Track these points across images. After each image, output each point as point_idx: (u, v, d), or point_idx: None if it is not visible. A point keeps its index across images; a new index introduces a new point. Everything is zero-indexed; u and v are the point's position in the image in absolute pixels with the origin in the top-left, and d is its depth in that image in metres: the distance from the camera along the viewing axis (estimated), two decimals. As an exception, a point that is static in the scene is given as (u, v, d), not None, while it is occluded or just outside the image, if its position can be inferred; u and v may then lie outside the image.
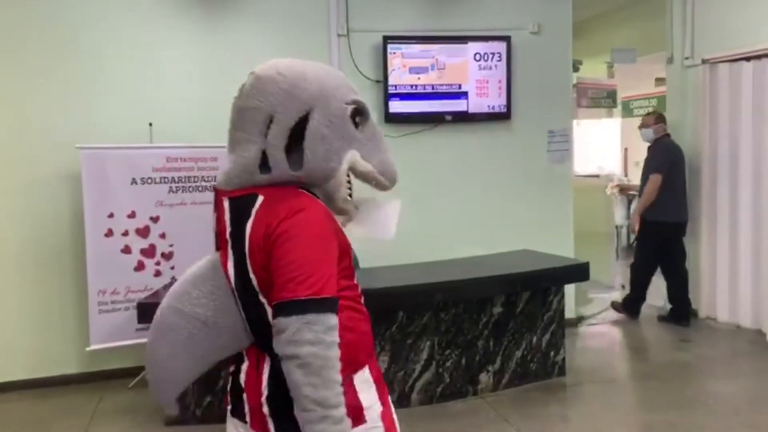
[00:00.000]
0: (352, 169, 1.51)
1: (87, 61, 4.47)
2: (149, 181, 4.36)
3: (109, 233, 4.26)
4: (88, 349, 4.29)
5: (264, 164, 1.44)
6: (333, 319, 1.36)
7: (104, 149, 4.28)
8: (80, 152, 4.20)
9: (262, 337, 1.49)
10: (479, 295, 4.05)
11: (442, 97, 5.09)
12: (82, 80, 4.47)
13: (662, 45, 5.86)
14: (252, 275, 1.46)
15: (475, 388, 4.12)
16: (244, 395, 1.53)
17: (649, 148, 5.62)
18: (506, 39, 5.17)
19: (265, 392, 1.49)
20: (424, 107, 5.06)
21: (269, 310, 1.43)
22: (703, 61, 5.43)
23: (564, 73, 5.46)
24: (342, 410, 1.34)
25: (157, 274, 4.39)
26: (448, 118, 5.13)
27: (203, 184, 4.48)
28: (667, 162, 5.38)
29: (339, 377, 1.35)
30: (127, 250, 4.30)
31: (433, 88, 5.07)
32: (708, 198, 5.52)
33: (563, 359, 4.42)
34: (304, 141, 1.43)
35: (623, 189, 6.45)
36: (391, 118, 5.01)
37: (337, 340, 1.36)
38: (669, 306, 5.66)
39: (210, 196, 4.54)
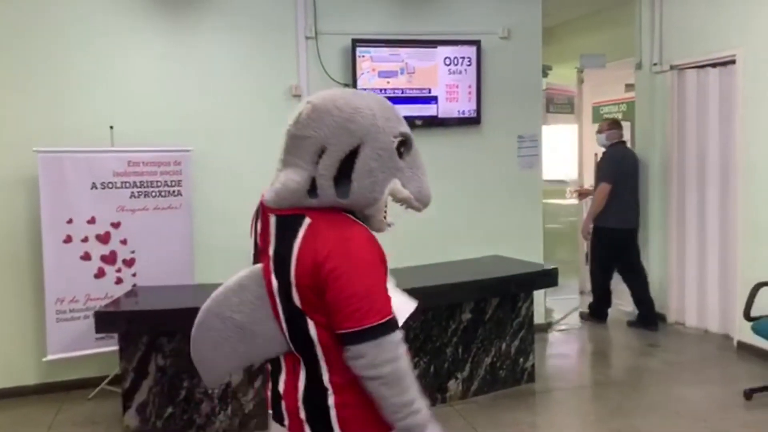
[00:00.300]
0: (392, 195, 1.59)
1: (45, 62, 4.34)
2: (110, 185, 4.24)
3: (68, 239, 4.13)
4: (45, 359, 4.15)
5: (312, 189, 1.52)
6: (399, 335, 1.50)
7: (63, 153, 4.14)
8: (37, 156, 4.06)
9: (301, 346, 1.58)
10: (448, 302, 4.00)
11: (411, 102, 5.05)
12: (40, 82, 4.33)
13: (631, 51, 5.89)
14: (295, 292, 1.53)
15: (443, 396, 4.07)
16: (282, 400, 1.62)
17: (602, 154, 5.71)
18: (476, 43, 5.14)
19: (300, 398, 1.58)
20: (393, 111, 5.01)
21: (311, 324, 1.53)
22: (671, 67, 5.47)
23: (534, 78, 5.45)
24: (421, 401, 1.51)
25: (118, 281, 4.27)
26: (418, 122, 5.07)
27: (166, 189, 4.37)
28: (615, 170, 5.49)
29: (413, 376, 1.51)
30: (86, 256, 4.18)
31: (402, 93, 5.03)
32: (677, 204, 5.55)
33: (532, 366, 4.39)
34: (352, 173, 1.51)
35: (582, 194, 6.51)
36: (360, 123, 4.94)
37: (405, 347, 1.51)
38: (637, 311, 5.69)
39: (173, 200, 4.44)
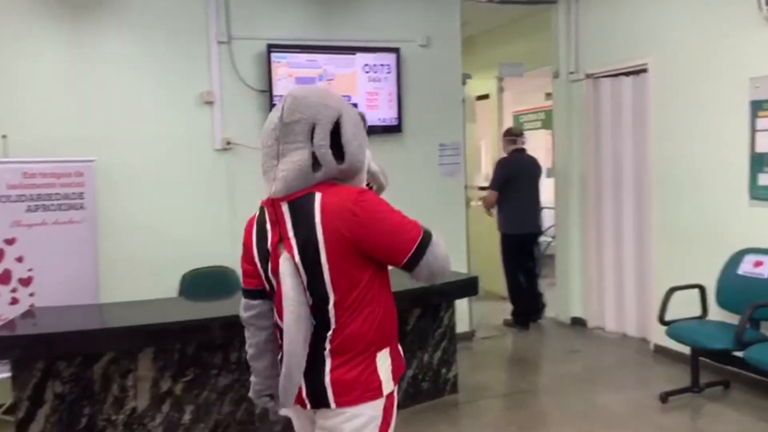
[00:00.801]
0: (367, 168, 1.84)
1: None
2: (3, 199, 3.92)
3: (-44, 258, 3.79)
4: (-71, 389, 3.79)
5: (315, 163, 1.73)
6: (436, 236, 1.78)
7: (-52, 164, 3.81)
8: None
9: (320, 320, 1.76)
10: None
11: (330, 109, 4.92)
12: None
13: (549, 60, 5.97)
14: (324, 261, 1.72)
15: (365, 412, 3.94)
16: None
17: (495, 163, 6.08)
18: (395, 51, 5.08)
19: (306, 369, 1.76)
20: (312, 119, 4.87)
21: (332, 295, 1.73)
22: (587, 76, 5.57)
23: (454, 86, 5.43)
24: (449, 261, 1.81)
25: (14, 302, 3.95)
26: (338, 130, 4.96)
27: (67, 201, 4.09)
28: (501, 179, 5.76)
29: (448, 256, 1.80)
30: (-24, 276, 3.85)
31: (321, 100, 4.89)
32: (594, 210, 5.64)
33: (455, 376, 4.33)
34: (342, 139, 1.75)
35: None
36: (277, 131, 4.78)
37: (444, 245, 1.79)
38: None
39: (75, 214, 4.15)
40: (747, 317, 3.62)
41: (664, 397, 4.04)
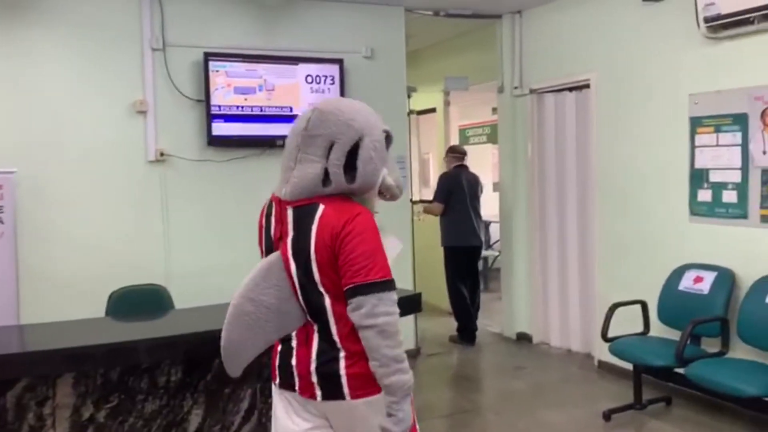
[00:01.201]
0: (381, 183, 1.89)
1: None
2: None
3: None
4: None
5: (326, 179, 1.81)
6: (395, 295, 1.81)
7: None
8: None
9: (316, 317, 1.87)
10: (305, 335, 3.72)
11: (271, 120, 4.77)
12: None
13: (495, 74, 5.95)
14: (315, 270, 1.82)
15: (303, 436, 3.77)
16: (294, 363, 1.90)
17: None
18: (339, 62, 4.97)
19: (313, 363, 1.86)
20: (252, 130, 4.71)
21: (327, 298, 1.83)
22: (531, 91, 5.56)
23: (399, 99, 5.35)
24: (407, 363, 1.80)
25: None
26: (279, 142, 4.80)
27: (-17, 215, 3.82)
28: (445, 191, 5.83)
29: (401, 339, 1.81)
30: None
31: (261, 110, 4.74)
32: (539, 224, 5.62)
33: (398, 397, 4.19)
34: (357, 161, 1.81)
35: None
36: (215, 141, 4.61)
37: (398, 311, 1.82)
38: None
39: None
40: (687, 334, 3.61)
41: (608, 415, 4.00)
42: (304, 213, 1.84)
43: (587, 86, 5.05)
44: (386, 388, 1.79)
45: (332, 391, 1.85)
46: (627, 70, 4.67)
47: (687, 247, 4.24)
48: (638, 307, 4.28)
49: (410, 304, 4.23)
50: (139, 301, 4.06)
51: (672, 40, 4.28)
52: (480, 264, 6.47)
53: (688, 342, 3.73)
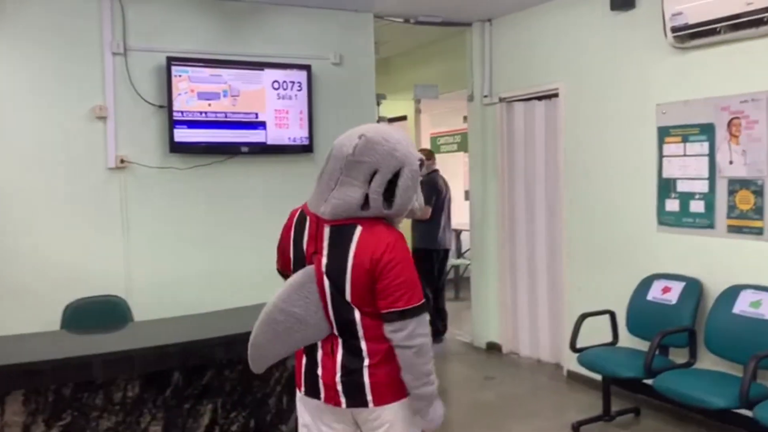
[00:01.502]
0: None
1: None
2: None
3: None
4: None
5: (365, 204, 1.94)
6: (428, 316, 1.99)
7: None
8: None
9: (344, 329, 2.01)
10: (269, 348, 3.61)
11: (237, 127, 4.67)
12: None
13: (466, 83, 5.92)
14: (348, 287, 1.96)
15: (266, 452, 3.67)
16: (320, 373, 2.03)
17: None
18: (306, 68, 4.88)
19: (339, 373, 2.00)
20: (216, 137, 4.60)
21: (356, 312, 1.97)
22: (500, 100, 5.54)
23: (368, 106, 5.27)
24: (434, 374, 2.02)
25: None
26: (245, 149, 4.71)
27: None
28: (429, 195, 5.69)
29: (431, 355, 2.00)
30: None
31: (226, 117, 4.63)
32: (509, 233, 5.58)
33: (365, 410, 4.10)
34: (396, 189, 1.95)
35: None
36: (178, 148, 4.49)
37: (429, 330, 2.00)
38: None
39: None
40: (656, 345, 3.58)
41: (576, 427, 3.96)
42: (341, 232, 1.97)
43: (556, 95, 5.04)
44: (417, 396, 2.02)
45: (356, 399, 2.02)
46: (595, 79, 4.66)
47: (655, 257, 4.23)
48: (607, 317, 4.26)
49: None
50: (96, 313, 3.92)
51: (640, 50, 4.28)
52: (451, 272, 6.43)
53: (657, 353, 3.72)
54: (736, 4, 3.45)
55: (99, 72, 4.31)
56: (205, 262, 4.65)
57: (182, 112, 4.47)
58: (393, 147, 1.96)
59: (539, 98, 5.28)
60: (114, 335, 3.57)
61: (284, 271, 2.23)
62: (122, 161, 4.37)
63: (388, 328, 1.94)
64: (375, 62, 5.24)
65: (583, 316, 4.15)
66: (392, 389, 2.01)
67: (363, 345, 1.99)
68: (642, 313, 4.11)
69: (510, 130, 5.54)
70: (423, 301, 1.97)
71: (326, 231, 1.99)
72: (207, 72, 4.55)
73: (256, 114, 4.72)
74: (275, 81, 4.77)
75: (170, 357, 3.30)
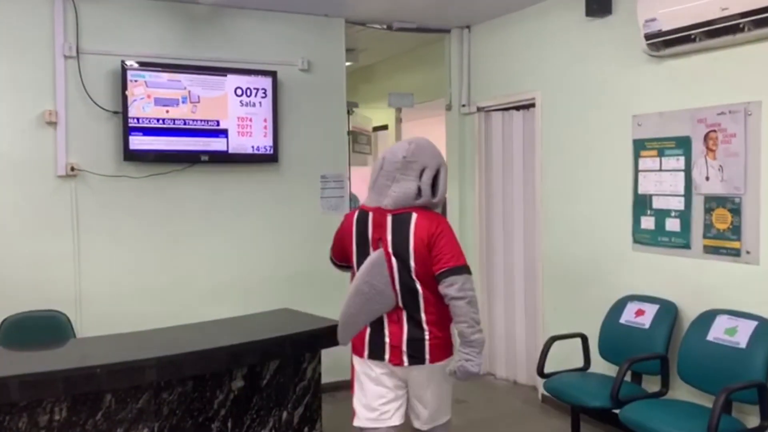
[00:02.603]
0: None
1: None
2: None
3: None
4: None
5: (418, 194, 2.62)
6: (472, 277, 2.61)
7: None
8: None
9: (408, 301, 2.63)
10: (208, 370, 3.40)
11: (196, 134, 4.48)
12: None
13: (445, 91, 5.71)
14: (412, 260, 2.58)
15: (207, 481, 3.44)
16: (387, 339, 2.65)
17: None
18: (272, 74, 4.69)
19: (405, 337, 2.61)
20: (174, 145, 4.41)
21: (418, 284, 2.60)
22: (479, 109, 5.32)
23: (338, 114, 5.07)
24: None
25: None
26: (204, 158, 4.51)
27: None
28: None
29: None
30: None
31: (185, 123, 4.44)
32: (486, 250, 5.34)
33: (320, 435, 3.89)
34: (438, 182, 2.66)
35: None
36: (132, 156, 4.30)
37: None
38: None
39: None
40: (623, 373, 3.34)
41: (542, 458, 3.71)
42: (401, 219, 2.63)
43: (533, 105, 4.81)
44: (470, 343, 2.53)
45: (417, 358, 2.62)
46: (571, 88, 4.44)
47: (630, 277, 3.99)
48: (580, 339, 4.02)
49: (333, 336, 3.92)
50: (35, 329, 3.71)
51: (616, 58, 4.06)
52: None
53: (629, 380, 3.47)
54: (711, 9, 3.22)
55: (50, 76, 4.13)
56: (162, 276, 4.45)
57: (138, 119, 4.28)
58: (435, 152, 2.72)
59: (517, 108, 5.06)
60: (44, 353, 3.36)
61: (338, 261, 2.98)
62: (73, 169, 4.18)
63: (443, 285, 2.54)
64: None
65: (552, 339, 3.91)
66: (443, 350, 2.66)
67: (423, 316, 2.62)
68: (614, 337, 3.87)
69: (488, 139, 5.32)
70: (466, 264, 2.59)
71: (389, 219, 2.64)
72: (165, 77, 4.36)
73: (218, 121, 4.53)
74: (238, 87, 4.58)
75: (99, 378, 3.09)
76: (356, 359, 2.77)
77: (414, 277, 2.57)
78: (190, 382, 3.38)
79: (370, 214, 2.67)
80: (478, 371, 2.53)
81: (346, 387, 5.02)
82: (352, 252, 2.73)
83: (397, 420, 2.75)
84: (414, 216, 2.59)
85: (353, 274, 2.76)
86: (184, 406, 3.39)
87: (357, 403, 2.83)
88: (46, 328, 3.78)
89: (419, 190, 2.60)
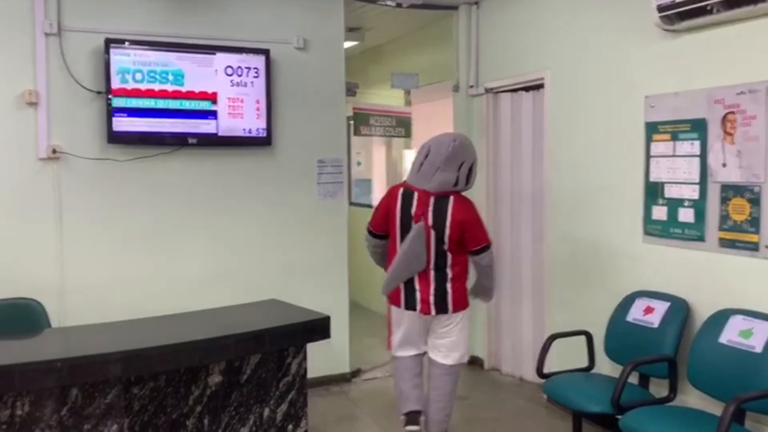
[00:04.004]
0: None
1: None
2: None
3: None
4: None
5: (456, 183, 3.40)
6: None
7: None
8: None
9: (437, 264, 3.41)
10: (179, 366, 3.21)
11: (184, 116, 4.28)
12: None
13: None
14: (447, 235, 3.35)
15: (182, 481, 3.27)
16: (417, 294, 3.43)
17: None
18: (265, 52, 4.46)
19: (432, 292, 3.41)
20: (160, 126, 4.22)
21: (448, 251, 3.39)
22: (486, 91, 5.03)
23: (336, 95, 4.83)
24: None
25: None
26: (192, 140, 4.32)
27: None
28: None
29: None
30: None
31: (172, 105, 4.24)
32: (493, 237, 5.03)
33: (305, 433, 3.69)
34: (471, 173, 3.45)
35: None
36: (117, 138, 4.12)
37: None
38: None
39: None
40: (625, 377, 3.06)
41: (540, 464, 3.46)
42: (441, 201, 3.37)
43: (542, 86, 4.51)
44: (487, 289, 3.65)
45: (442, 308, 3.42)
46: (581, 67, 4.13)
47: (640, 271, 3.70)
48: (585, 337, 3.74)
49: (318, 330, 3.71)
50: (6, 318, 3.57)
51: (628, 34, 3.73)
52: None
53: (636, 383, 3.20)
54: (730, -24, 2.89)
55: (30, 54, 3.96)
56: (148, 263, 4.29)
57: (122, 99, 4.08)
58: (472, 149, 3.47)
59: (526, 89, 4.76)
60: (10, 344, 3.21)
61: (376, 231, 3.61)
62: (54, 151, 4.02)
63: (476, 258, 3.44)
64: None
65: (553, 337, 3.65)
66: (462, 302, 3.47)
67: (450, 273, 3.40)
68: (621, 336, 3.59)
69: (497, 121, 5.04)
70: (490, 241, 3.46)
71: (432, 200, 3.37)
72: (151, 55, 4.16)
73: (207, 102, 4.32)
74: (228, 66, 4.37)
75: (63, 372, 2.92)
76: (394, 308, 3.56)
77: (446, 243, 3.35)
78: (162, 377, 3.20)
79: (415, 194, 3.41)
80: (492, 291, 3.66)
81: (341, 380, 4.88)
82: (395, 222, 3.45)
83: (419, 350, 3.59)
84: (452, 199, 3.36)
85: (393, 242, 3.49)
86: (157, 402, 3.21)
87: (394, 338, 3.62)
88: (18, 317, 3.63)
89: (457, 179, 3.37)
